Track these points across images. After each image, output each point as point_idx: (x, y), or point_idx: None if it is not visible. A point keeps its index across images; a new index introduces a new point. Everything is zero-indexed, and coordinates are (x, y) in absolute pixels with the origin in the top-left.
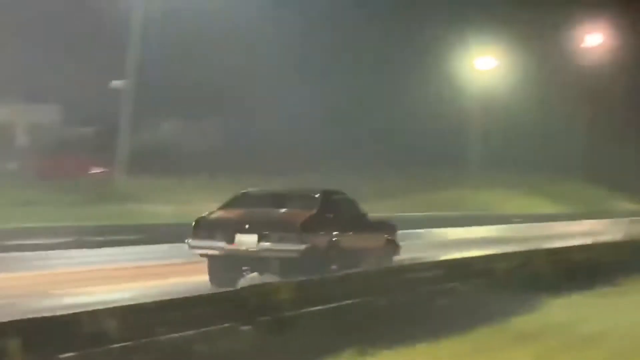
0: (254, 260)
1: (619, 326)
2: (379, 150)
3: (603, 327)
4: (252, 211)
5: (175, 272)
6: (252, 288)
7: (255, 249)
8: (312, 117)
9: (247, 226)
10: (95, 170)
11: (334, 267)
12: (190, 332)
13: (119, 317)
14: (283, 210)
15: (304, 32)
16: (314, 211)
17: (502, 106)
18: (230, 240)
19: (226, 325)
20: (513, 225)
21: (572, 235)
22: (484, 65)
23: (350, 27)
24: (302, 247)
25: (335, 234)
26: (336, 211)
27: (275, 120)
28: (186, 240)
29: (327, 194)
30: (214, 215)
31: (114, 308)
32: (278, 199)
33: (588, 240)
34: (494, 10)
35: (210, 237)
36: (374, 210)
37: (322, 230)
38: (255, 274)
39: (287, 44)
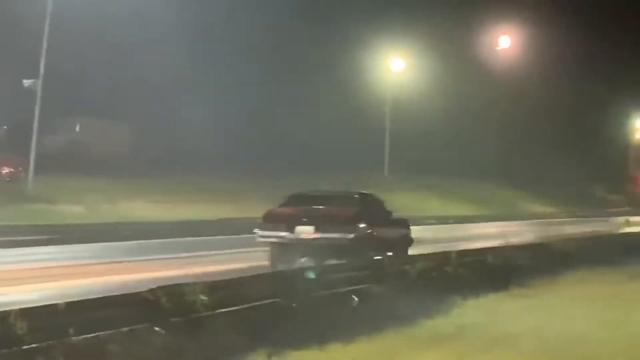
0: (310, 247)
1: (532, 327)
2: (294, 154)
3: (517, 329)
4: (307, 208)
5: (88, 273)
6: (166, 289)
7: (312, 237)
8: (222, 120)
9: (304, 219)
10: (5, 170)
11: (371, 253)
12: (103, 334)
13: (28, 319)
14: (332, 207)
15: (217, 35)
16: (357, 208)
17: (417, 110)
18: (292, 231)
19: (139, 326)
20: (427, 227)
21: (486, 237)
22: (398, 68)
23: (261, 31)
24: (351, 235)
25: (372, 227)
26: (371, 209)
27: (182, 123)
28: (254, 231)
29: (364, 195)
30: (277, 211)
31: (23, 309)
32: (326, 199)
33: (502, 242)
34: (407, 13)
35: (275, 228)
36: None
37: (363, 224)
38: (306, 258)
39: (197, 47)
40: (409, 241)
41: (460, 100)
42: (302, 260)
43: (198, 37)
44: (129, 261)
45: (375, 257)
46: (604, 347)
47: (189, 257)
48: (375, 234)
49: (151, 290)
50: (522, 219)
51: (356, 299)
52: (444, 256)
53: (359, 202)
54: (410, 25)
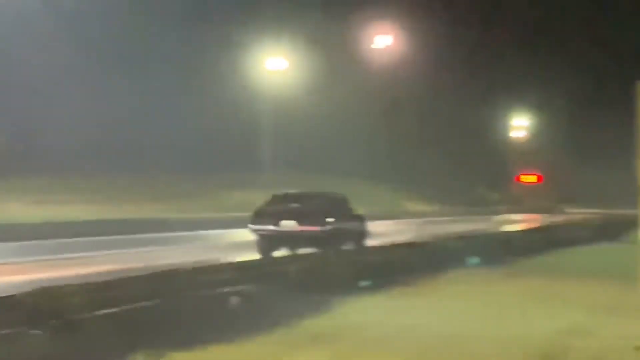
0: (292, 237)
1: (413, 327)
2: (172, 152)
3: (397, 328)
4: (289, 206)
5: None
6: (43, 291)
7: (294, 230)
8: (109, 119)
9: (287, 215)
10: None
11: (338, 242)
12: None
13: None
14: (308, 205)
15: (98, 32)
16: (328, 206)
17: (296, 108)
18: (277, 224)
19: (15, 330)
20: None
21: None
22: (277, 66)
23: (139, 28)
24: (326, 228)
25: (339, 222)
26: (338, 206)
27: (62, 121)
28: (248, 225)
29: (333, 195)
30: (264, 208)
31: None
32: (303, 198)
33: (382, 241)
34: (289, 11)
35: (264, 222)
36: (166, 212)
37: (333, 218)
38: (285, 249)
39: (77, 43)
40: (366, 233)
41: (342, 98)
42: (285, 248)
43: (71, 35)
44: (3, 263)
45: (342, 247)
46: (482, 345)
47: (66, 258)
48: (341, 227)
49: (28, 292)
50: (403, 217)
51: (236, 299)
52: (324, 256)
53: (329, 201)
54: (292, 24)
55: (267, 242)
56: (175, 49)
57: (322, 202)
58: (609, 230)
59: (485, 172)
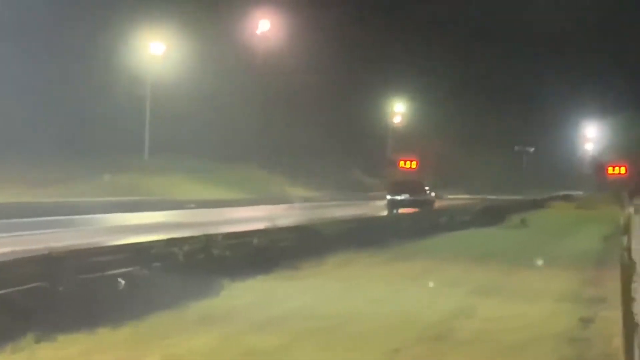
0: (406, 202)
1: (301, 308)
2: (53, 136)
3: (285, 310)
4: (403, 185)
5: None
6: None
7: (407, 198)
8: None
9: (403, 189)
10: None
11: (427, 205)
12: None
13: None
14: (413, 185)
15: None
16: (421, 186)
17: (180, 93)
18: (399, 195)
19: None
20: (190, 211)
21: (251, 220)
22: (159, 51)
23: (18, 11)
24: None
25: (425, 194)
26: (425, 184)
27: None
28: (386, 196)
29: (421, 179)
30: (393, 186)
31: None
32: (409, 181)
33: (267, 225)
34: None
35: (392, 193)
36: (49, 196)
37: (423, 193)
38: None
39: None
40: (434, 201)
41: (223, 83)
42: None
43: None
44: None
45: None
46: (369, 324)
47: None
48: (429, 197)
49: None
50: (286, 202)
51: (123, 281)
52: (211, 239)
53: (422, 182)
54: (173, 8)
55: (392, 205)
56: (56, 34)
57: (418, 184)
58: (490, 215)
59: (366, 158)
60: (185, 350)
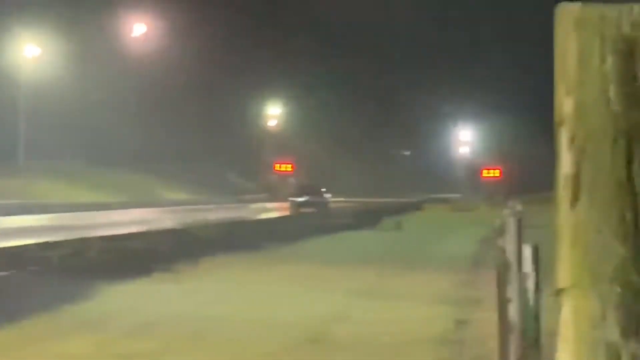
0: (306, 204)
1: (178, 313)
2: None
3: (161, 314)
4: (304, 188)
5: None
6: None
7: (308, 200)
8: None
9: (304, 192)
10: None
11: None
12: None
13: None
14: (312, 188)
15: None
16: (318, 189)
17: (55, 96)
18: (301, 197)
19: None
20: (66, 214)
21: (125, 224)
22: (34, 54)
23: None
24: (323, 200)
25: (320, 197)
26: (319, 188)
27: None
28: (289, 198)
29: (317, 183)
30: (296, 189)
31: None
32: (309, 185)
33: (142, 228)
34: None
35: (295, 196)
36: None
37: (321, 196)
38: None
39: None
40: (330, 202)
41: (100, 87)
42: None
43: None
44: None
45: None
46: (245, 328)
47: None
48: (324, 201)
49: None
50: (161, 205)
51: None
52: (86, 242)
53: (320, 186)
54: (49, 11)
55: (294, 207)
56: None
57: (316, 186)
58: (366, 218)
59: (242, 161)
60: (58, 356)
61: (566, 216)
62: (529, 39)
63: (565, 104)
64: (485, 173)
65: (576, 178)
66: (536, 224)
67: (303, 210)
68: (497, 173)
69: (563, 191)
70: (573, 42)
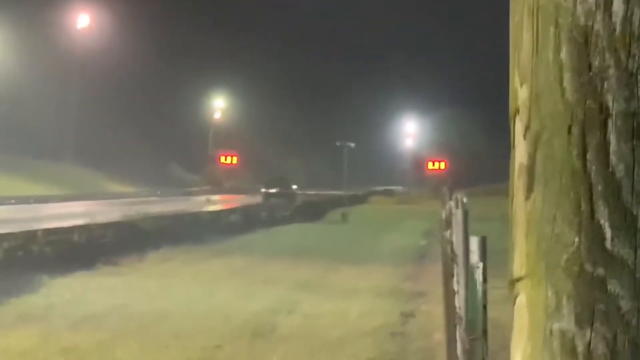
0: (277, 195)
1: (123, 305)
2: None
3: (105, 307)
4: (274, 180)
5: None
6: None
7: (277, 191)
8: None
9: (274, 184)
10: None
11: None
12: None
13: None
14: (282, 181)
15: None
16: (289, 182)
17: None
18: (271, 188)
19: None
20: (8, 207)
21: (69, 216)
22: None
23: None
24: (289, 191)
25: (290, 191)
26: (288, 181)
27: None
28: (261, 189)
29: (287, 177)
30: (267, 181)
31: None
32: (279, 178)
33: (86, 221)
34: None
35: (266, 187)
36: None
37: (290, 188)
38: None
39: None
40: (297, 194)
41: (37, 78)
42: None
43: None
44: None
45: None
46: (189, 321)
47: None
48: (292, 194)
49: None
50: (104, 198)
51: None
52: (30, 235)
53: (289, 179)
54: None
55: (266, 197)
56: None
57: (287, 181)
58: (310, 210)
59: (185, 153)
60: (1, 349)
61: (520, 206)
62: (479, 30)
63: (520, 93)
64: (430, 165)
65: (531, 168)
66: (481, 216)
67: (273, 200)
68: (442, 165)
69: (517, 181)
70: (527, 31)
